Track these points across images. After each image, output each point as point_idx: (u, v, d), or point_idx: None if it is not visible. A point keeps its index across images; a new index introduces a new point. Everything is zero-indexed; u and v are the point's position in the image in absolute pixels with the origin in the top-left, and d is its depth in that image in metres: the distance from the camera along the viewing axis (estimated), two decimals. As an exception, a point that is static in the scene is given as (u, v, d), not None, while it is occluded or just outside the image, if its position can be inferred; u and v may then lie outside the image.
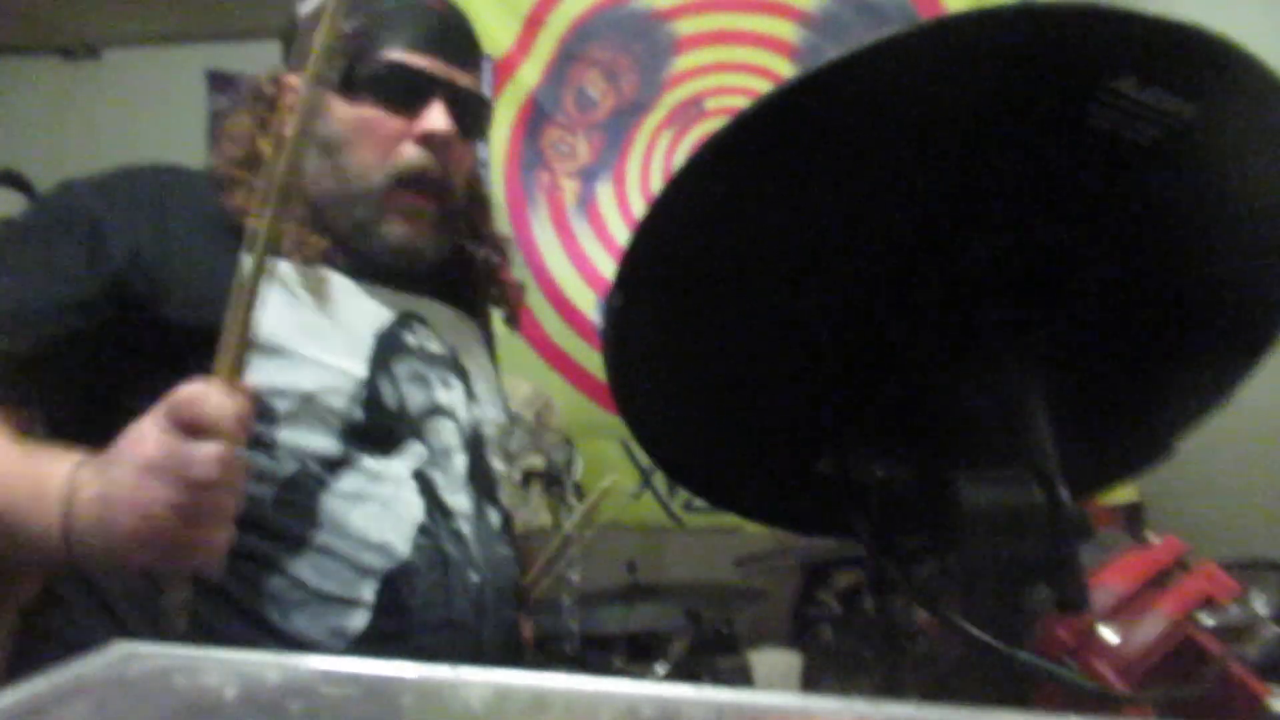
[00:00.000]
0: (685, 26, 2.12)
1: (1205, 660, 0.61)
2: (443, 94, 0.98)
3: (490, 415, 1.06)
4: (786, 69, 2.08)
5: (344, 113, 0.98)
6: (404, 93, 0.98)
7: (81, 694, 0.23)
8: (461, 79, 1.01)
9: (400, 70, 0.97)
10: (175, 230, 0.93)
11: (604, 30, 2.13)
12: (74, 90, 3.02)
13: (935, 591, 0.61)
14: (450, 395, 1.00)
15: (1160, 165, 0.55)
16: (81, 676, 0.23)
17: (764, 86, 1.89)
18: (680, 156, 2.10)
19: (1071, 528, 0.56)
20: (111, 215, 0.91)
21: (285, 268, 0.94)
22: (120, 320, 0.88)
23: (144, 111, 2.92)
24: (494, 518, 1.01)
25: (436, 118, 0.97)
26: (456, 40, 1.02)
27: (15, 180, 2.93)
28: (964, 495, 0.56)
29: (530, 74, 2.13)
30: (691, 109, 2.12)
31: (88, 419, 0.90)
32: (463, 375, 1.04)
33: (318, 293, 0.95)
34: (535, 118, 2.14)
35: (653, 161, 2.12)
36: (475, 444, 1.01)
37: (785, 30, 2.09)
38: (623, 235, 2.11)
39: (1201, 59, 0.50)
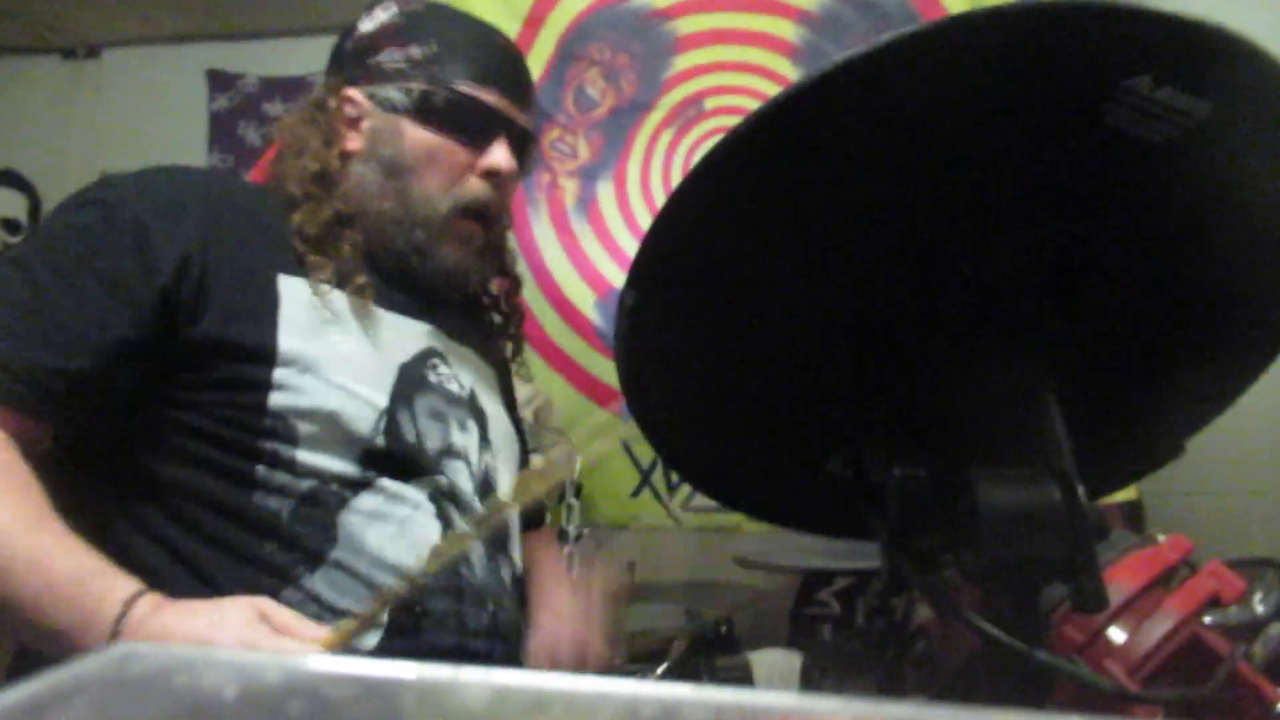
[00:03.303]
0: (685, 26, 2.12)
1: (1212, 659, 0.61)
2: (508, 131, 1.02)
3: (504, 461, 1.06)
4: (786, 69, 2.08)
5: (414, 137, 0.99)
6: (474, 126, 1.00)
7: (81, 694, 0.23)
8: (523, 118, 1.04)
9: (473, 104, 1.00)
10: (224, 241, 0.92)
11: (603, 29, 2.13)
12: (74, 90, 3.02)
13: (951, 591, 0.61)
14: (465, 439, 1.00)
15: (1175, 164, 0.55)
16: (81, 676, 0.23)
17: (764, 86, 1.89)
18: (680, 156, 2.11)
19: (1090, 528, 0.56)
20: (160, 222, 0.89)
21: (334, 292, 0.95)
22: (163, 331, 0.87)
23: (144, 111, 2.92)
24: (505, 572, 1.00)
25: (502, 155, 1.00)
26: (521, 79, 1.06)
27: (15, 180, 2.93)
28: (981, 495, 0.56)
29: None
30: (691, 108, 2.12)
31: (110, 432, 0.89)
32: (479, 418, 1.03)
33: (358, 318, 0.95)
34: (535, 117, 2.14)
35: (653, 161, 2.12)
36: (486, 491, 1.00)
37: (785, 30, 2.09)
38: (623, 235, 2.11)
39: (1218, 57, 0.50)
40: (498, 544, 1.00)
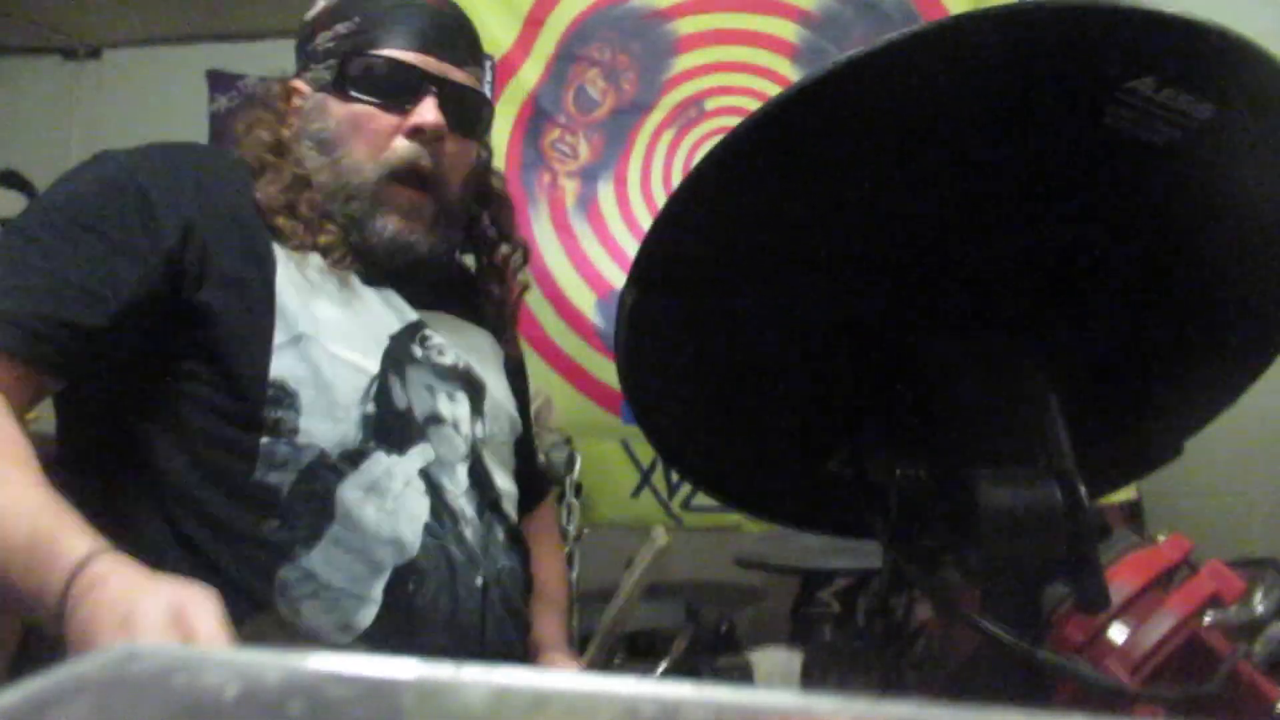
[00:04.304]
0: (685, 26, 2.12)
1: (1213, 659, 0.61)
2: (434, 89, 0.99)
3: (496, 432, 1.05)
4: (787, 69, 2.08)
5: (339, 110, 0.99)
6: (395, 88, 0.99)
7: (81, 694, 0.23)
8: (455, 75, 1.01)
9: (391, 66, 0.98)
10: (217, 209, 0.93)
11: (604, 29, 2.13)
12: (75, 90, 3.02)
13: (953, 590, 0.61)
14: (454, 409, 1.00)
15: (1176, 165, 0.55)
16: (81, 676, 0.23)
17: (764, 87, 1.89)
18: (681, 157, 2.10)
19: (1090, 527, 0.56)
20: (161, 190, 0.91)
21: (315, 261, 0.95)
22: (168, 296, 0.88)
23: (145, 111, 2.91)
24: (499, 530, 1.01)
25: (426, 111, 0.98)
26: (451, 37, 1.03)
27: (15, 180, 2.93)
28: (983, 495, 0.56)
29: (530, 74, 2.13)
30: (692, 109, 2.12)
31: (108, 400, 0.89)
32: (473, 389, 1.03)
33: (342, 288, 0.96)
34: (535, 118, 2.14)
35: (653, 161, 2.12)
36: (477, 458, 1.01)
37: (786, 30, 2.09)
38: (623, 235, 2.11)
39: (1220, 58, 0.50)
40: (489, 504, 1.01)
